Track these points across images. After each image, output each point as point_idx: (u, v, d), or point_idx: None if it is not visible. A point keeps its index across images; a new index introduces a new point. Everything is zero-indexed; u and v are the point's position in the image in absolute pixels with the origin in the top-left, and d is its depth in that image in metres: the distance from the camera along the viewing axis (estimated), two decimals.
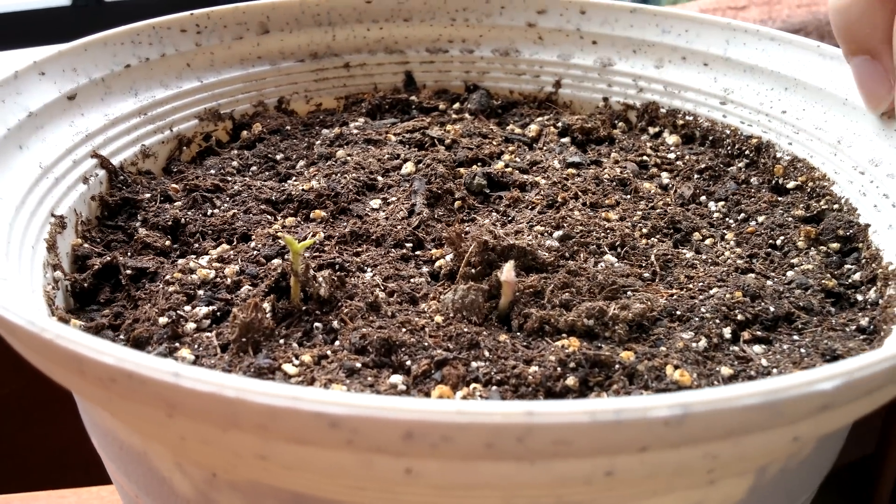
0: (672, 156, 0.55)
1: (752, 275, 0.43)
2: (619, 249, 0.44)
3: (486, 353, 0.36)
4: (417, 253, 0.44)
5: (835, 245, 0.45)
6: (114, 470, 0.35)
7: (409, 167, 0.50)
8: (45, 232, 0.40)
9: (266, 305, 0.38)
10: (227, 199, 0.47)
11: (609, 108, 0.60)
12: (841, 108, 0.50)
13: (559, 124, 0.57)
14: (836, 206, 0.47)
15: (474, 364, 0.35)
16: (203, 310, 0.38)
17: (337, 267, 0.42)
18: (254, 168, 0.52)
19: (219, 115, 0.55)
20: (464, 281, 0.40)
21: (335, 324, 0.38)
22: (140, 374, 0.22)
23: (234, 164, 0.51)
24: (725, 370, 0.36)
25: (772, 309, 0.40)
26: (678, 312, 0.39)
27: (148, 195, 0.47)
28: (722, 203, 0.50)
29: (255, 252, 0.43)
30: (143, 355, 0.23)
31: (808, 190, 0.49)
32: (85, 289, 0.41)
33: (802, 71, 0.52)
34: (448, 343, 0.37)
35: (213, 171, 0.50)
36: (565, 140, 0.56)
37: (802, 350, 0.37)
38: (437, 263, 0.43)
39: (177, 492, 0.31)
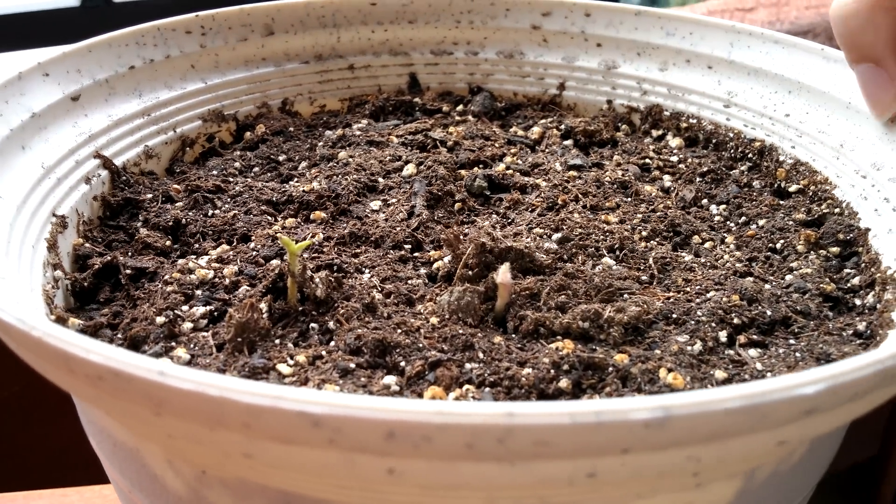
0: (674, 159, 0.54)
1: (751, 278, 0.42)
2: (617, 252, 0.44)
3: (481, 355, 0.36)
4: (416, 254, 0.44)
5: (835, 249, 0.45)
6: (109, 467, 0.36)
7: (410, 169, 0.50)
8: (46, 231, 0.41)
9: (263, 306, 0.39)
10: (229, 199, 0.48)
11: (613, 110, 0.60)
12: (844, 112, 0.49)
13: (562, 127, 0.57)
14: (837, 210, 0.47)
15: (468, 365, 0.35)
16: (200, 310, 0.39)
17: (335, 268, 0.42)
18: (256, 169, 0.52)
19: (222, 116, 0.55)
20: (461, 283, 0.40)
21: (331, 324, 0.38)
22: (126, 372, 0.23)
23: (237, 164, 0.52)
24: (720, 374, 0.36)
25: (769, 313, 0.40)
26: (674, 316, 0.39)
27: (150, 195, 0.47)
28: (723, 206, 0.50)
29: (255, 253, 0.43)
30: (130, 354, 0.23)
31: (810, 194, 0.49)
32: (85, 288, 0.41)
33: (806, 74, 0.52)
34: (442, 344, 0.37)
35: (214, 172, 0.51)
36: (568, 142, 0.56)
37: (798, 354, 0.37)
38: (436, 265, 0.43)
39: (169, 489, 0.31)
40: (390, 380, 0.35)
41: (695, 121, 0.57)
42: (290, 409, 0.21)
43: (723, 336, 0.38)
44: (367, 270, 0.42)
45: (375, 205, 0.48)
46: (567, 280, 0.40)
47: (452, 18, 0.61)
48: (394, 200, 0.48)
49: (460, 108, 0.60)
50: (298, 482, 0.27)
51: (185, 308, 0.39)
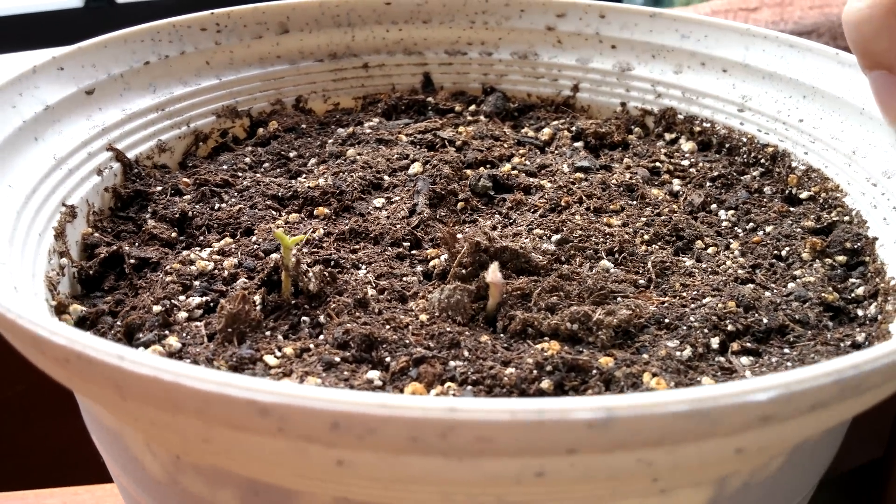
0: (686, 163, 0.54)
1: (751, 285, 0.42)
2: (616, 255, 0.44)
3: (466, 353, 0.36)
4: (414, 252, 0.44)
5: (841, 258, 0.44)
6: (101, 451, 0.37)
7: (416, 167, 0.51)
8: (54, 220, 0.42)
9: (257, 298, 0.39)
10: (236, 194, 0.49)
11: (626, 113, 0.59)
12: (858, 118, 0.48)
13: (573, 128, 0.57)
14: (846, 218, 0.46)
15: (452, 363, 0.36)
16: (196, 300, 0.39)
17: (332, 263, 0.42)
18: (266, 165, 0.53)
19: (236, 112, 0.56)
20: (455, 281, 0.40)
21: (322, 318, 0.38)
22: (88, 355, 0.23)
23: (247, 160, 0.53)
24: (707, 380, 0.35)
25: (765, 321, 0.39)
26: (667, 320, 0.39)
27: (159, 188, 0.48)
28: (732, 212, 0.49)
29: (256, 246, 0.44)
30: (93, 337, 0.24)
31: (821, 201, 0.48)
32: (91, 276, 0.42)
33: (821, 79, 0.51)
34: (429, 341, 0.37)
35: (224, 167, 0.52)
36: (578, 144, 0.56)
37: (789, 363, 0.36)
38: (432, 263, 0.43)
39: (148, 472, 0.32)
40: (374, 374, 0.35)
41: (708, 125, 0.56)
42: (238, 397, 0.22)
43: (714, 343, 0.38)
44: (363, 266, 0.42)
45: (379, 202, 0.48)
46: (561, 281, 0.40)
47: (467, 19, 0.62)
48: (397, 198, 0.48)
49: (473, 108, 0.60)
50: (262, 470, 0.27)
51: (181, 298, 0.40)
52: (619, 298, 0.40)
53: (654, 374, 0.35)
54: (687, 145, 0.56)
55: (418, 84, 0.62)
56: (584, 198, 0.48)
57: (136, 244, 0.44)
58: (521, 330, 0.38)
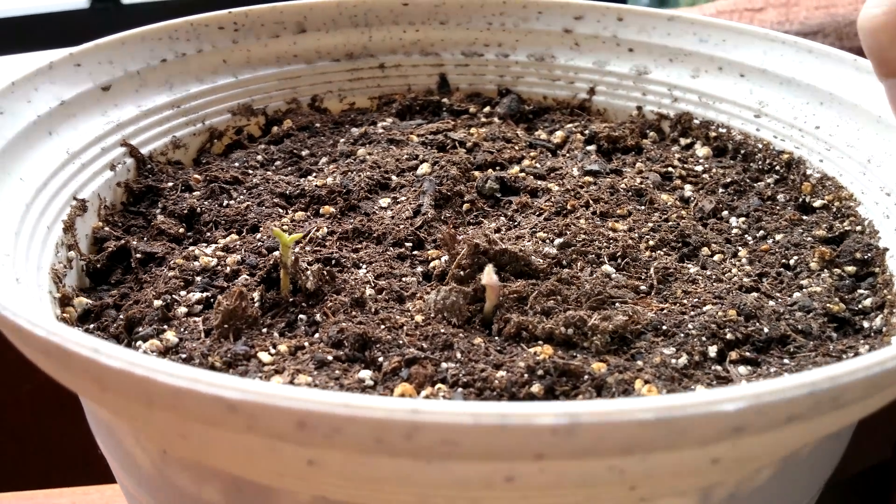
0: (699, 168, 0.53)
1: (755, 294, 0.41)
2: (619, 260, 0.43)
3: (458, 355, 0.36)
4: (415, 253, 0.44)
5: (850, 268, 0.43)
6: (99, 445, 0.37)
7: (424, 168, 0.51)
8: (64, 214, 0.43)
9: (255, 295, 0.40)
10: (245, 191, 0.49)
11: (642, 116, 0.59)
12: (874, 126, 0.47)
13: (586, 132, 0.57)
14: (858, 228, 0.45)
15: (444, 365, 0.36)
16: (196, 295, 0.40)
17: (333, 262, 0.43)
18: (278, 163, 0.53)
19: (252, 110, 0.57)
20: (453, 283, 0.40)
21: (318, 317, 0.39)
22: (65, 347, 0.24)
23: (259, 158, 0.53)
24: (701, 389, 0.35)
25: (766, 330, 0.38)
26: (664, 327, 0.38)
27: (170, 184, 0.49)
28: (743, 219, 0.48)
29: (260, 243, 0.44)
30: (71, 330, 0.25)
31: (834, 210, 0.47)
32: (98, 269, 0.43)
33: (838, 85, 0.50)
34: (423, 342, 0.37)
35: (236, 164, 0.52)
36: (591, 148, 0.55)
37: (787, 374, 0.36)
38: (433, 264, 0.43)
39: (140, 466, 0.33)
40: (366, 374, 0.35)
41: (724, 130, 0.55)
42: (207, 393, 0.22)
43: (712, 351, 0.37)
44: (364, 266, 0.43)
45: (385, 202, 0.48)
46: (559, 285, 0.40)
47: (484, 20, 0.61)
48: (403, 198, 0.48)
49: (487, 109, 0.60)
50: (240, 467, 0.27)
51: (182, 293, 0.40)
52: (617, 304, 0.40)
53: (647, 382, 0.35)
54: (702, 151, 0.55)
55: (434, 85, 0.62)
56: (590, 202, 0.48)
57: (145, 239, 0.45)
58: (515, 333, 0.38)
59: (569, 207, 0.48)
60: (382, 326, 0.38)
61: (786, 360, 0.37)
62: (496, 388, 0.34)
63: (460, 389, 0.34)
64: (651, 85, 0.59)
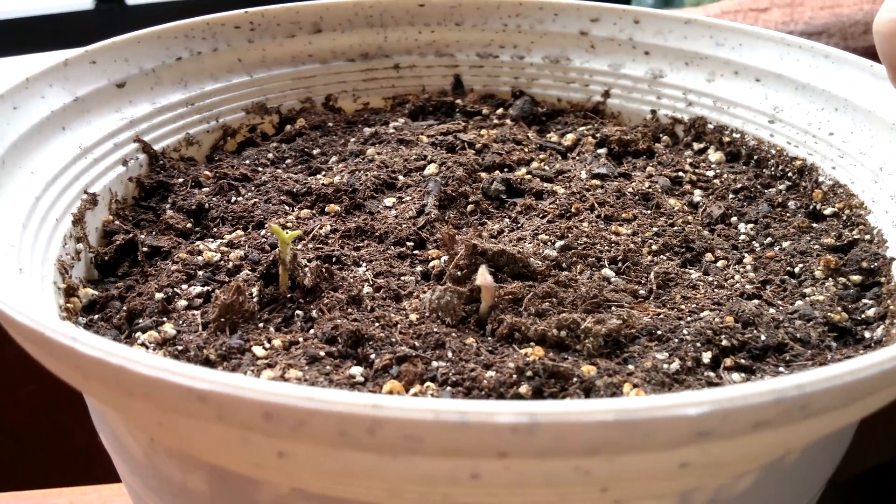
0: (710, 173, 0.53)
1: (756, 301, 0.41)
2: (619, 264, 0.43)
3: (450, 354, 0.36)
4: (416, 252, 0.44)
5: (856, 277, 0.42)
6: (98, 432, 0.38)
7: (432, 168, 0.51)
8: (74, 207, 0.44)
9: (254, 290, 0.40)
10: (253, 188, 0.50)
11: (656, 120, 0.58)
12: (888, 133, 0.47)
13: (598, 135, 0.56)
14: (867, 237, 0.44)
15: (435, 363, 0.36)
16: (197, 289, 0.41)
17: (334, 259, 0.43)
18: (288, 161, 0.54)
19: (266, 108, 0.57)
20: (449, 283, 0.41)
21: (314, 313, 0.39)
22: (46, 335, 0.24)
23: (270, 155, 0.54)
24: None
25: (763, 338, 0.38)
26: (659, 332, 0.38)
27: (181, 180, 0.50)
28: (751, 225, 0.48)
29: (263, 240, 0.45)
30: (54, 319, 0.25)
31: (844, 218, 0.47)
32: (106, 261, 0.44)
33: (853, 91, 0.49)
34: (415, 341, 0.37)
35: (247, 162, 0.53)
36: (601, 151, 0.55)
37: None
38: (432, 264, 0.43)
39: (132, 454, 0.33)
40: (356, 371, 0.36)
41: (738, 135, 0.55)
42: (177, 383, 0.23)
43: (706, 357, 0.37)
44: (364, 264, 0.43)
45: (390, 201, 0.49)
46: (556, 288, 0.40)
47: (500, 21, 0.62)
48: (408, 198, 0.49)
49: (500, 111, 0.60)
50: (219, 457, 0.28)
51: (184, 287, 0.41)
52: (613, 308, 0.39)
53: (636, 386, 0.34)
54: (715, 156, 0.55)
55: (448, 86, 0.62)
56: (595, 205, 0.48)
57: (153, 233, 0.46)
58: (508, 334, 0.38)
59: (573, 210, 0.47)
60: (377, 324, 0.38)
61: (781, 369, 0.37)
62: (484, 388, 0.34)
63: (449, 388, 0.35)
64: (666, 88, 0.58)
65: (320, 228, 0.46)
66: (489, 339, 0.38)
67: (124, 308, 0.40)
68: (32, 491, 0.56)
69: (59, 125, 0.46)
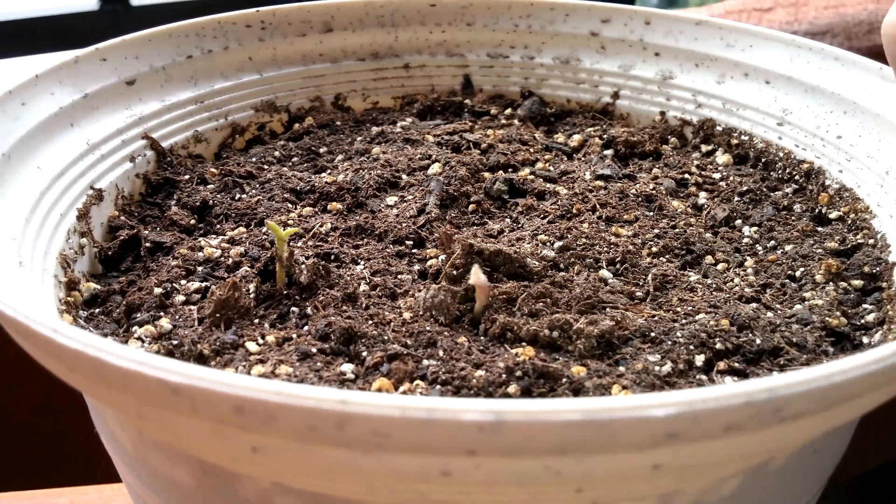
0: (717, 176, 0.52)
1: (754, 304, 0.40)
2: (617, 266, 0.43)
3: (441, 353, 0.36)
4: (415, 251, 0.45)
5: (857, 282, 0.42)
6: (95, 424, 0.39)
7: (436, 168, 0.51)
8: (79, 202, 0.45)
9: (251, 286, 0.41)
10: (258, 185, 0.50)
11: (665, 122, 0.58)
12: None
13: (605, 136, 0.56)
14: (871, 241, 0.44)
15: (426, 362, 0.36)
16: (195, 284, 0.41)
17: (332, 257, 0.43)
18: (295, 159, 0.54)
19: (275, 107, 0.58)
20: (445, 282, 0.41)
21: (309, 310, 0.39)
22: (28, 326, 0.25)
23: (276, 153, 0.54)
24: None
25: (758, 341, 0.38)
26: (652, 334, 0.38)
27: (187, 177, 0.51)
28: (755, 228, 0.47)
29: (265, 237, 0.45)
30: (35, 310, 0.26)
31: (849, 222, 0.46)
32: (110, 256, 0.45)
33: (863, 94, 0.49)
34: (407, 339, 0.37)
35: (253, 160, 0.53)
36: (608, 152, 0.55)
37: None
38: (429, 263, 0.43)
39: (123, 446, 0.34)
40: (347, 368, 0.36)
41: (746, 138, 0.54)
42: (151, 376, 0.23)
43: (699, 360, 0.37)
44: (362, 262, 0.43)
45: (392, 200, 0.49)
46: (551, 288, 0.40)
47: (511, 22, 0.61)
48: (410, 197, 0.49)
49: (508, 111, 0.60)
50: (199, 450, 0.28)
51: (183, 282, 0.42)
52: (607, 309, 0.39)
53: (625, 387, 0.34)
54: (722, 158, 0.54)
55: (458, 86, 0.62)
56: (597, 206, 0.48)
57: (157, 229, 0.47)
58: (500, 334, 0.38)
59: (574, 211, 0.47)
60: (370, 322, 0.38)
61: (775, 373, 0.36)
62: (473, 386, 0.34)
63: (438, 387, 0.35)
64: (675, 90, 0.58)
65: (321, 226, 0.46)
66: (482, 338, 0.38)
67: (124, 302, 0.41)
68: (33, 491, 0.57)
69: (68, 121, 0.47)
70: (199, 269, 0.42)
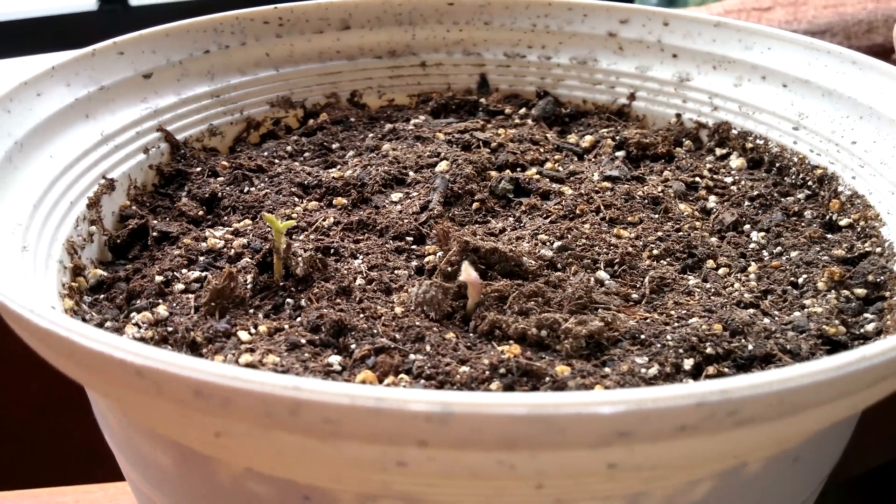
0: (728, 180, 0.52)
1: (752, 310, 0.40)
2: (615, 267, 0.43)
3: (428, 348, 0.37)
4: (414, 247, 0.45)
5: (860, 291, 0.41)
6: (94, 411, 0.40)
7: (443, 165, 0.51)
8: (91, 191, 0.46)
9: (249, 277, 0.41)
10: (267, 179, 0.51)
11: (681, 124, 0.57)
12: None
13: (617, 137, 0.56)
14: (878, 250, 0.43)
15: (412, 356, 0.36)
16: (195, 274, 0.42)
17: (332, 251, 0.44)
18: (307, 154, 0.55)
19: (290, 102, 0.59)
20: (440, 278, 0.41)
21: (303, 302, 0.40)
22: (7, 306, 0.26)
23: (288, 148, 0.55)
24: None
25: (750, 347, 0.37)
26: (642, 336, 0.38)
27: (199, 169, 0.52)
28: (763, 233, 0.47)
29: (268, 229, 0.46)
30: (19, 293, 0.27)
31: (859, 229, 0.45)
32: (119, 244, 0.46)
33: (879, 99, 0.48)
34: (396, 333, 0.38)
35: (265, 154, 0.54)
36: (620, 153, 0.55)
37: None
38: (427, 259, 0.43)
39: (111, 426, 0.35)
40: (335, 359, 0.36)
41: (761, 142, 0.53)
42: (116, 357, 0.24)
43: (688, 364, 0.36)
44: (361, 256, 0.44)
45: (397, 196, 0.49)
46: (544, 287, 0.40)
47: (529, 21, 0.61)
48: (415, 194, 0.49)
49: (522, 111, 0.60)
50: (176, 433, 0.29)
51: (184, 271, 0.42)
52: (599, 310, 0.39)
53: (607, 388, 0.34)
54: (736, 162, 0.53)
55: (474, 84, 0.62)
56: (601, 207, 0.47)
57: (166, 219, 0.48)
58: (488, 331, 0.38)
59: (577, 212, 0.47)
60: (362, 315, 0.39)
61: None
62: (457, 382, 0.35)
63: (422, 381, 0.35)
64: (692, 92, 0.57)
65: (323, 220, 0.46)
66: (471, 335, 0.38)
67: (126, 289, 0.42)
68: (37, 489, 0.57)
69: (83, 112, 0.48)
70: (201, 258, 0.43)
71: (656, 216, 0.48)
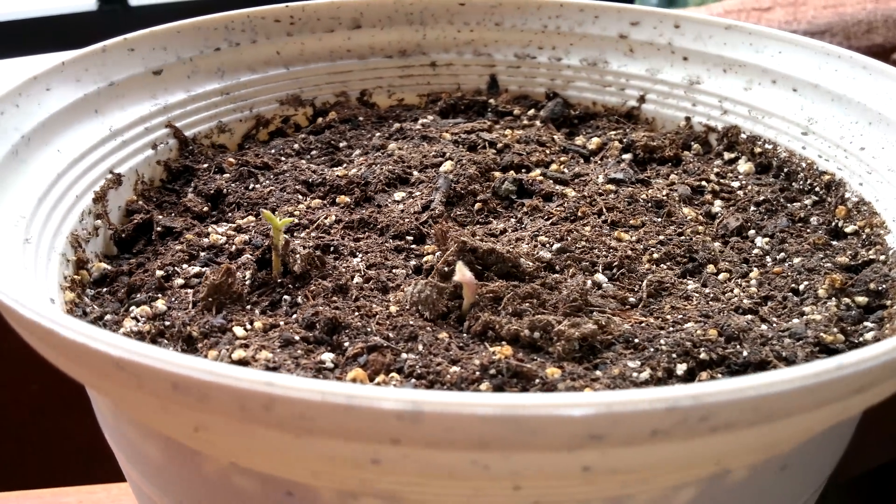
0: (735, 184, 0.51)
1: (749, 316, 0.39)
2: (614, 270, 0.43)
3: (420, 348, 0.37)
4: (414, 246, 0.45)
5: (862, 299, 0.40)
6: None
7: (447, 165, 0.51)
8: (97, 185, 0.46)
9: (247, 273, 0.42)
10: (272, 176, 0.51)
11: (690, 127, 0.57)
12: None
13: (625, 140, 0.55)
14: (882, 258, 0.42)
15: (404, 355, 0.36)
16: (195, 269, 0.42)
17: (331, 249, 0.44)
18: (314, 152, 0.55)
19: (300, 100, 0.59)
20: (437, 278, 0.41)
21: (300, 299, 0.40)
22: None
23: (296, 146, 0.55)
24: None
25: (745, 354, 0.37)
26: (636, 340, 0.37)
27: (205, 165, 0.52)
28: (767, 239, 0.46)
29: (270, 226, 0.46)
30: (10, 284, 0.27)
31: (864, 236, 0.45)
32: (124, 238, 0.47)
33: (888, 105, 0.47)
34: (389, 332, 0.38)
35: (272, 151, 0.55)
36: (626, 156, 0.54)
37: None
38: (426, 258, 0.44)
39: (105, 416, 0.35)
40: (328, 357, 0.36)
41: (770, 146, 0.53)
42: (97, 349, 0.24)
43: (680, 369, 0.36)
44: (360, 255, 0.44)
45: (399, 196, 0.49)
46: (539, 289, 0.40)
47: (539, 22, 0.61)
48: (418, 193, 0.49)
49: (531, 112, 0.60)
50: (161, 426, 0.29)
51: (184, 266, 0.43)
52: (594, 312, 0.39)
53: (597, 391, 0.34)
54: (744, 166, 0.53)
55: (484, 85, 0.62)
56: (604, 210, 0.47)
57: (171, 214, 0.48)
58: (481, 332, 0.38)
59: (579, 214, 0.47)
60: (357, 313, 0.39)
61: None
62: (447, 382, 0.35)
63: (413, 380, 0.35)
64: (702, 95, 0.57)
65: (325, 218, 0.47)
66: (464, 335, 0.38)
67: (128, 283, 0.42)
68: (41, 490, 0.57)
69: (92, 108, 0.48)
70: (202, 254, 0.44)
71: (659, 220, 0.47)
